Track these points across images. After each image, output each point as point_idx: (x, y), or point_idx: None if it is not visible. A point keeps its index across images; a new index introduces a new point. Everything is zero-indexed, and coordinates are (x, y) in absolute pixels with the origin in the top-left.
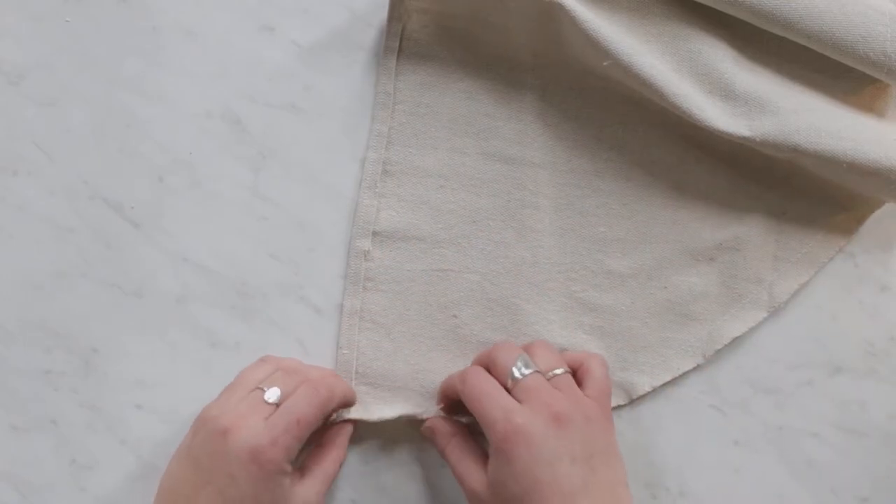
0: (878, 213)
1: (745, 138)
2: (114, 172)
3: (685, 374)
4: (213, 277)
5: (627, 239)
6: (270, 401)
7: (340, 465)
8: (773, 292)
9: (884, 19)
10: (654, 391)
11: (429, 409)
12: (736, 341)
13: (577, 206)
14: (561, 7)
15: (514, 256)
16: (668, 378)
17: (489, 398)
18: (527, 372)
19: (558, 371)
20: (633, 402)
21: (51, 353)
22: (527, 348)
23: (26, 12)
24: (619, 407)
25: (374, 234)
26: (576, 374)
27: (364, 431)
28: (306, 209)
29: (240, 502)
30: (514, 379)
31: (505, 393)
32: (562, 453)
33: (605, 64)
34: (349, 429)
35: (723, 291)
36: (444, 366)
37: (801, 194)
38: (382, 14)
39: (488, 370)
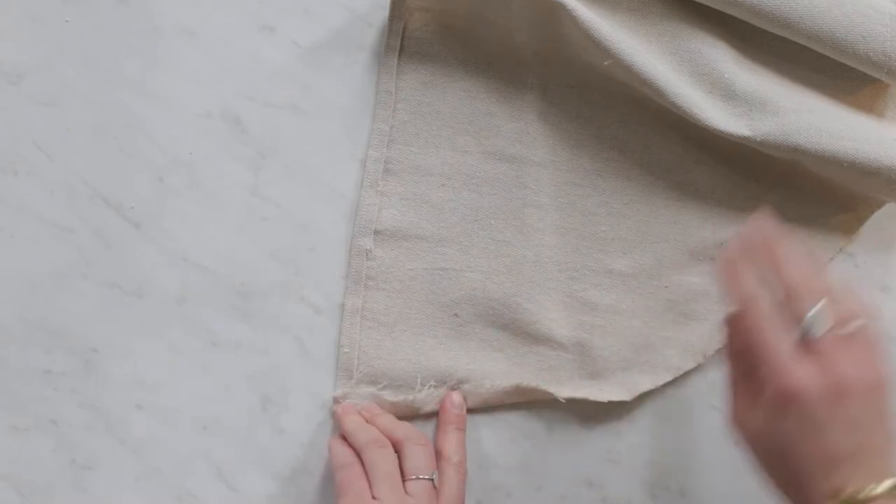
0: (878, 213)
1: (745, 138)
2: (114, 172)
3: (686, 374)
4: (213, 277)
5: (628, 238)
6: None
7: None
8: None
9: (884, 19)
10: (655, 391)
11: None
12: None
13: (579, 205)
14: (563, 7)
15: (515, 255)
16: (669, 377)
17: (769, 345)
18: (823, 331)
19: (858, 323)
20: (634, 401)
21: (51, 353)
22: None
23: (26, 12)
24: (619, 405)
25: (376, 232)
26: None
27: None
28: (306, 209)
29: None
30: (805, 333)
31: (787, 338)
32: (834, 423)
33: (605, 63)
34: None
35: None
36: (446, 364)
37: (801, 194)
38: (382, 13)
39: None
